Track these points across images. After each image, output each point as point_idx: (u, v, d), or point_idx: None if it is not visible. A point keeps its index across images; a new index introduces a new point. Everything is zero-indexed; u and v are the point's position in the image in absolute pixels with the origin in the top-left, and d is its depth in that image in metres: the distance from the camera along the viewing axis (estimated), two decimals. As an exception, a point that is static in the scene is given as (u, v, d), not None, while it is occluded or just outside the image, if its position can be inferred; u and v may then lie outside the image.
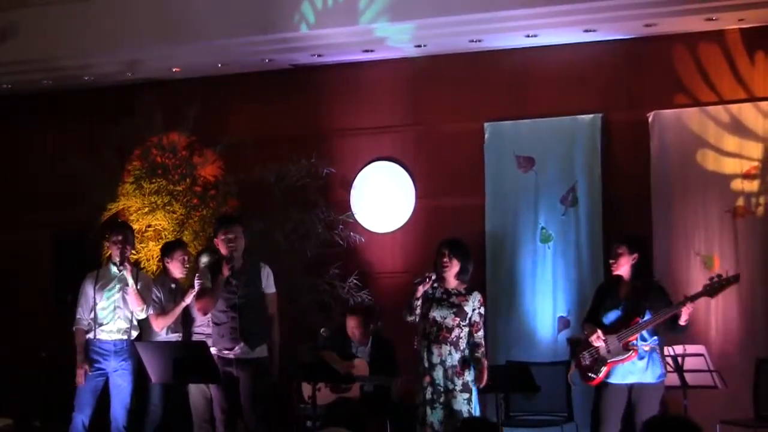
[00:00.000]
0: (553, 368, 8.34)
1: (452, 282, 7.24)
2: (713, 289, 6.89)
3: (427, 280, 7.17)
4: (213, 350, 7.44)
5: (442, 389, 7.09)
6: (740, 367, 8.08)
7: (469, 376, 7.10)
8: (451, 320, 7.11)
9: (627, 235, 7.29)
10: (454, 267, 7.21)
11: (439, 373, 7.10)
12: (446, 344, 7.10)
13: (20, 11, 9.71)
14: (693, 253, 8.50)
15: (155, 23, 9.27)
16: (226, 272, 7.39)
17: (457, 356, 7.08)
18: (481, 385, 7.14)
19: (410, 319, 7.22)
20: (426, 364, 7.13)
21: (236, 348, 7.41)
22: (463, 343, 7.11)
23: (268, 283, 7.60)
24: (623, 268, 7.07)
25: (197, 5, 9.18)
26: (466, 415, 7.01)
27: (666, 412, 7.35)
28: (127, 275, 7.86)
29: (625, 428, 7.02)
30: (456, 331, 7.11)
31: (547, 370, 8.23)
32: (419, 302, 7.18)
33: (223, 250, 7.50)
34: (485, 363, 7.16)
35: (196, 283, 7.59)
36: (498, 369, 7.67)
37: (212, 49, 9.31)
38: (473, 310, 7.16)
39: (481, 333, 7.19)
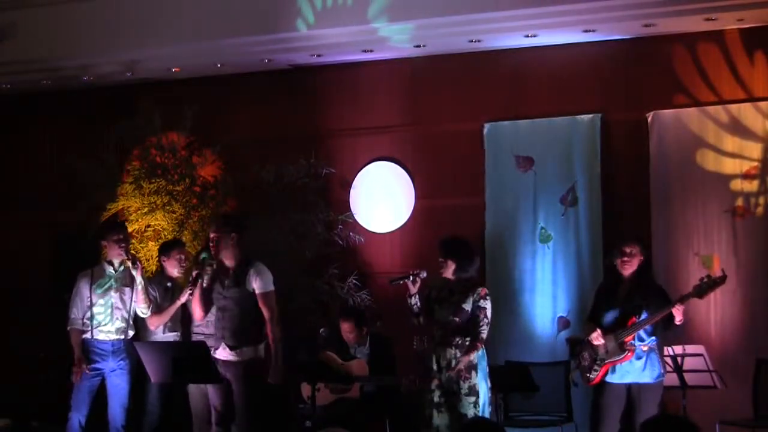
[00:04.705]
0: (552, 368, 8.34)
1: (453, 279, 7.19)
2: (701, 289, 6.89)
3: (415, 278, 7.15)
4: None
5: (449, 392, 7.04)
6: (740, 367, 8.06)
7: (474, 379, 7.05)
8: (452, 321, 7.07)
9: (636, 236, 7.29)
10: (450, 267, 7.18)
11: (446, 377, 7.06)
12: (451, 348, 7.06)
13: (20, 11, 9.71)
14: (692, 253, 8.47)
15: (155, 23, 9.27)
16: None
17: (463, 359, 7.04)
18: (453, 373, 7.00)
19: (415, 321, 7.20)
20: (435, 367, 7.09)
21: (219, 349, 7.44)
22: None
23: (259, 282, 7.48)
24: (633, 268, 7.06)
25: (197, 5, 9.19)
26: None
27: (665, 412, 7.34)
28: (137, 273, 7.84)
29: (624, 428, 7.01)
30: (461, 332, 7.08)
31: (546, 370, 8.23)
32: (414, 301, 7.17)
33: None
34: (463, 360, 6.99)
35: (187, 291, 7.66)
36: (497, 369, 7.66)
37: (212, 49, 9.30)
38: (473, 303, 7.10)
39: (482, 327, 7.06)
